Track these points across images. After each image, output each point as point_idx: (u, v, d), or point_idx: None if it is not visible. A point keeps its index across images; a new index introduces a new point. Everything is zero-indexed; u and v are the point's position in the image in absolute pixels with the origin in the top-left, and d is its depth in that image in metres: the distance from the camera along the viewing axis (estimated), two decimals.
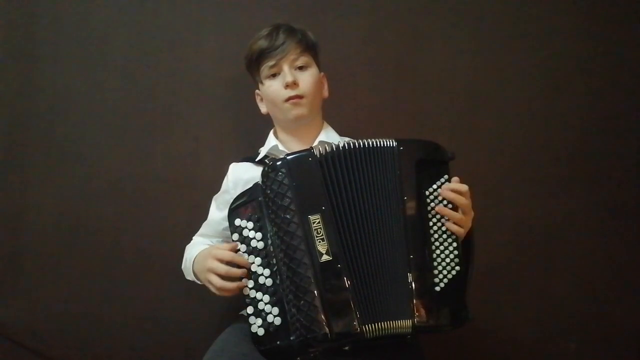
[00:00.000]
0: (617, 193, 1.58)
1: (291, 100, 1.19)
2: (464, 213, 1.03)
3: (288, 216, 0.99)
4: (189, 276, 1.22)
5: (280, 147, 1.24)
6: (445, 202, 1.03)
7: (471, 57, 1.56)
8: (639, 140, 1.58)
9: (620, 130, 1.58)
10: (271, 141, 1.27)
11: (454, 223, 1.02)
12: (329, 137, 1.25)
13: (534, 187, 1.56)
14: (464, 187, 1.04)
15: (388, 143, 1.05)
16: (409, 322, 0.96)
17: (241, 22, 1.52)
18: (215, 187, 1.30)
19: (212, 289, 1.07)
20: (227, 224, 1.23)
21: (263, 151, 1.27)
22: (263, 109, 1.29)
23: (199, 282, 1.18)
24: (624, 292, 1.58)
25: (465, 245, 1.06)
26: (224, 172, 1.29)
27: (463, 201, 1.02)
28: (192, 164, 1.51)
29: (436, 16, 1.56)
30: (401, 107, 1.55)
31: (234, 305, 1.30)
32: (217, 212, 1.27)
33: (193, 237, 1.31)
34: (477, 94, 1.57)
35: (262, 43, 1.21)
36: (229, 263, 1.04)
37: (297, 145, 1.24)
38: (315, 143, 1.23)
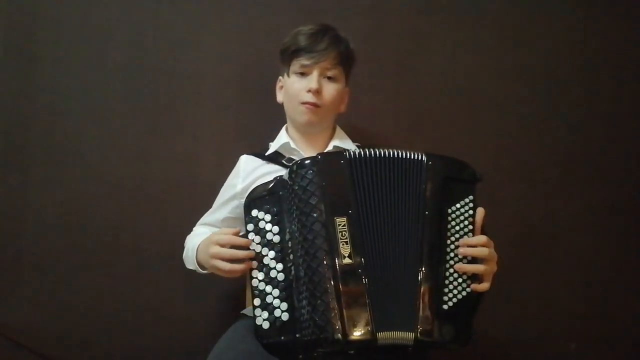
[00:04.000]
0: (617, 193, 1.58)
1: (307, 106, 1.19)
2: (486, 262, 1.01)
3: (314, 214, 0.98)
4: (190, 265, 1.22)
5: (292, 145, 1.24)
6: (464, 224, 1.03)
7: (471, 57, 1.56)
8: (639, 140, 1.58)
9: (620, 130, 1.58)
10: (282, 138, 1.27)
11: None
12: (344, 143, 1.26)
13: (534, 187, 1.57)
14: (482, 239, 1.02)
15: (416, 156, 1.04)
16: (411, 335, 0.95)
17: (241, 22, 1.52)
18: (215, 187, 1.30)
19: (221, 274, 1.06)
20: (228, 214, 1.23)
21: (273, 147, 1.27)
22: (279, 97, 1.29)
23: (201, 271, 1.18)
24: (624, 292, 1.58)
25: None
26: (223, 172, 1.29)
27: (485, 253, 1.01)
28: (192, 164, 1.51)
29: (436, 16, 1.56)
30: (401, 107, 1.55)
31: (236, 305, 1.31)
32: (223, 203, 1.27)
33: (194, 228, 1.31)
34: (477, 94, 1.57)
35: (304, 40, 1.19)
36: (232, 246, 1.04)
37: (308, 146, 1.25)
38: (329, 147, 1.24)
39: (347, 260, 0.96)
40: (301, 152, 1.23)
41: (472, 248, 1.01)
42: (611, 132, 1.58)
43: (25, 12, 1.49)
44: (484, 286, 1.01)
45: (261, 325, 0.99)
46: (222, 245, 1.04)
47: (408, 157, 1.04)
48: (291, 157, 1.23)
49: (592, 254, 1.57)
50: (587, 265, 1.57)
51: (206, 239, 1.13)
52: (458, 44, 1.56)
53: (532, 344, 1.57)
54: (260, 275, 1.02)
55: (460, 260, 1.01)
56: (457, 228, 1.02)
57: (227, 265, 1.03)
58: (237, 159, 1.30)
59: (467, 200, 1.03)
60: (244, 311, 1.25)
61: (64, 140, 1.50)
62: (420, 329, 0.95)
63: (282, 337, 0.98)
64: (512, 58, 1.57)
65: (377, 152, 1.03)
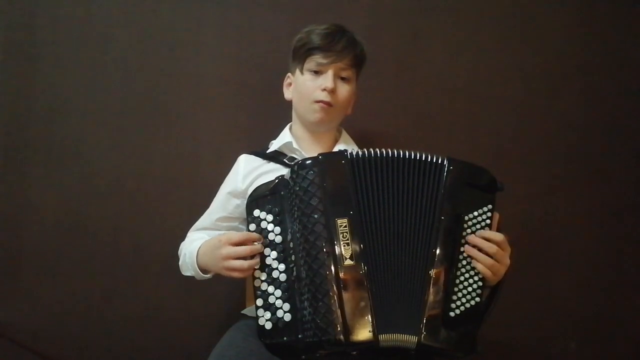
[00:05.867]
0: (617, 193, 1.58)
1: (321, 104, 1.18)
2: (497, 261, 1.00)
3: (315, 216, 0.98)
4: (188, 272, 1.20)
5: (295, 145, 1.23)
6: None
7: (471, 57, 1.56)
8: (639, 140, 1.58)
9: (620, 130, 1.58)
10: (285, 137, 1.25)
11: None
12: (349, 147, 1.25)
13: (534, 187, 1.56)
14: (500, 237, 1.01)
15: (437, 159, 1.03)
16: (414, 338, 0.95)
17: (241, 22, 1.52)
18: (215, 187, 1.30)
19: (235, 274, 1.03)
20: (227, 214, 1.22)
21: (275, 145, 1.26)
22: (288, 94, 1.28)
23: (202, 276, 1.16)
24: (624, 292, 1.58)
25: (492, 288, 1.04)
26: (223, 172, 1.29)
27: (493, 250, 0.99)
28: (192, 164, 1.51)
29: (436, 16, 1.56)
30: (401, 107, 1.55)
31: (236, 305, 1.30)
32: (221, 203, 1.25)
33: (188, 234, 1.28)
34: (477, 94, 1.57)
35: (321, 40, 1.17)
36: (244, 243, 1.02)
37: (312, 146, 1.24)
38: (335, 150, 1.24)
39: (348, 262, 0.96)
40: (303, 152, 1.23)
41: (482, 240, 1.00)
42: (611, 132, 1.58)
43: (25, 12, 1.49)
44: (487, 273, 0.99)
45: (264, 325, 0.99)
46: (237, 244, 1.02)
47: (427, 159, 1.03)
48: (293, 156, 1.23)
49: (593, 254, 1.57)
50: (587, 265, 1.57)
51: (210, 243, 1.11)
52: (458, 44, 1.56)
53: (532, 344, 1.57)
54: (263, 276, 1.01)
55: (472, 268, 1.00)
56: (474, 231, 1.01)
57: (245, 263, 1.01)
58: (237, 159, 1.29)
59: (485, 209, 1.03)
60: (244, 311, 1.24)
61: (64, 140, 1.50)
62: (424, 333, 0.95)
63: (285, 338, 0.98)
64: (512, 58, 1.57)
65: (381, 153, 1.03)
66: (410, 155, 1.03)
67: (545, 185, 1.57)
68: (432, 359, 1.06)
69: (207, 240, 1.14)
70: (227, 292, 1.47)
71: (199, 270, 1.15)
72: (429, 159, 1.03)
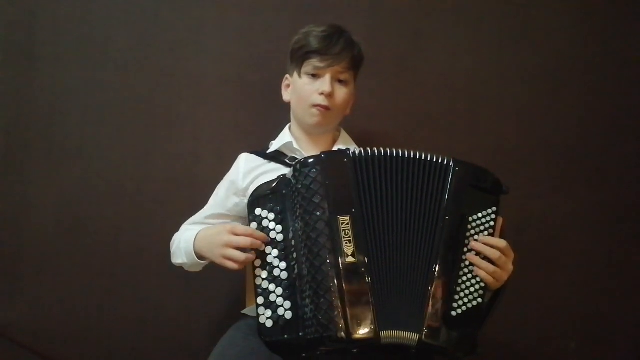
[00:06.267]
0: (616, 193, 1.58)
1: (319, 108, 1.18)
2: (499, 267, 1.00)
3: (318, 213, 0.98)
4: (181, 258, 1.19)
5: (295, 145, 1.23)
6: (484, 235, 1.02)
7: (471, 57, 1.56)
8: (639, 140, 1.58)
9: (620, 130, 1.58)
10: (285, 137, 1.26)
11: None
12: (349, 146, 1.25)
13: (534, 187, 1.57)
14: (502, 243, 1.01)
15: (443, 160, 1.04)
16: (415, 336, 0.95)
17: (241, 22, 1.52)
18: (215, 187, 1.30)
19: (229, 264, 1.03)
20: (225, 211, 1.23)
21: (275, 145, 1.27)
22: (286, 96, 1.28)
23: (197, 261, 1.15)
24: (624, 292, 1.58)
25: (495, 292, 1.04)
26: (223, 172, 1.29)
27: (496, 256, 1.00)
28: (192, 163, 1.51)
29: (436, 16, 1.56)
30: (401, 107, 1.55)
31: (236, 305, 1.31)
32: (220, 201, 1.25)
33: (182, 227, 1.28)
34: (477, 94, 1.57)
35: (319, 43, 1.17)
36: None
37: (311, 146, 1.25)
38: (334, 149, 1.24)
39: (350, 259, 0.96)
40: (303, 152, 1.23)
41: (484, 246, 1.00)
42: (611, 132, 1.58)
43: (25, 12, 1.49)
44: (489, 280, 0.99)
45: (264, 323, 0.99)
46: (239, 236, 1.02)
47: (433, 160, 1.03)
48: (294, 156, 1.23)
49: (592, 254, 1.57)
50: (588, 265, 1.57)
51: (212, 229, 1.12)
52: (458, 44, 1.56)
53: (532, 344, 1.57)
54: (264, 274, 1.01)
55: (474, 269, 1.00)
56: (476, 238, 1.01)
57: (242, 256, 1.01)
58: (237, 158, 1.28)
59: (489, 211, 1.03)
60: (244, 311, 1.24)
61: (64, 140, 1.50)
62: (425, 331, 0.95)
63: (286, 336, 0.98)
64: (512, 58, 1.57)
65: (384, 152, 1.03)
66: (414, 155, 1.03)
67: (545, 185, 1.57)
68: (432, 358, 1.06)
69: (209, 227, 1.15)
70: (227, 292, 1.47)
71: (194, 254, 1.14)
72: (435, 160, 1.03)
